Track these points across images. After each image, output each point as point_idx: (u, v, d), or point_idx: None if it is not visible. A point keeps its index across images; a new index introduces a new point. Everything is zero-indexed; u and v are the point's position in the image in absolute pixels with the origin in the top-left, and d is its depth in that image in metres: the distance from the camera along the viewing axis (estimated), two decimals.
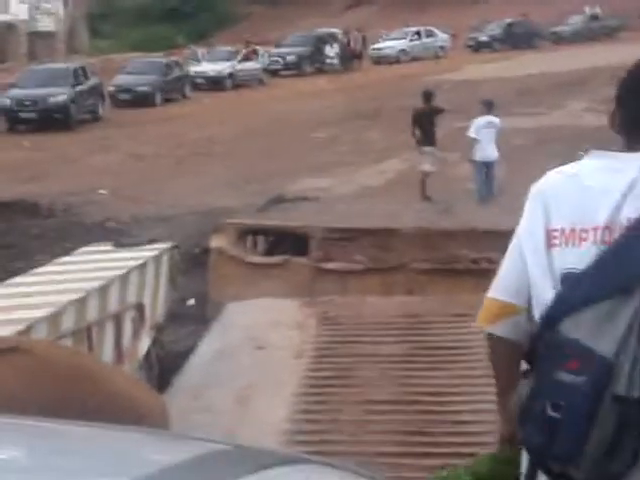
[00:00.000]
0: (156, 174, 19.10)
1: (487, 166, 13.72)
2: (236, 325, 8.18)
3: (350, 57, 40.69)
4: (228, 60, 36.85)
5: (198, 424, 5.64)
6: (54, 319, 6.97)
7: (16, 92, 27.92)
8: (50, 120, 26.61)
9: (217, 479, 1.30)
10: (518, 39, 43.71)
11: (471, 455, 5.48)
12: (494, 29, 45.44)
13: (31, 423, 1.66)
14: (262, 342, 7.57)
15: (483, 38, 45.04)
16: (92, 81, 29.90)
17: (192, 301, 11.91)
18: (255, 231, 11.68)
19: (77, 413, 2.90)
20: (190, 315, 11.39)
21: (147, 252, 9.48)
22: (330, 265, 10.33)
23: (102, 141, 24.25)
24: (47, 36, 57.55)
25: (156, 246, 9.92)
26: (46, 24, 57.66)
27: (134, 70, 33.44)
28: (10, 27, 57.88)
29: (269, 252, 11.61)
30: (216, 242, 11.06)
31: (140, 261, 8.92)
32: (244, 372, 6.92)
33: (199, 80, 35.60)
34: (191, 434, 1.80)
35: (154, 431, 1.84)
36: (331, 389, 6.62)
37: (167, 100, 32.39)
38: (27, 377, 3.06)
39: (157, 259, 9.40)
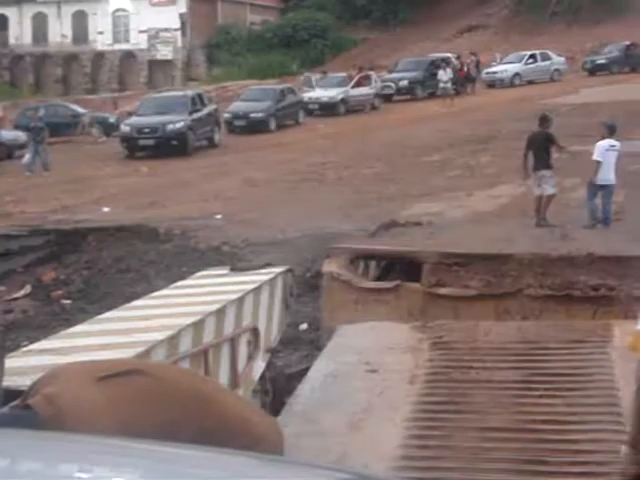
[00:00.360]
0: (270, 199, 19.34)
1: (604, 189, 13.49)
2: (348, 348, 8.16)
3: (463, 81, 40.52)
4: (341, 86, 37.16)
5: (310, 448, 5.60)
6: (172, 342, 7.09)
7: (136, 120, 28.77)
8: (168, 147, 27.34)
9: None
10: (637, 61, 42.76)
11: None
12: (612, 51, 44.53)
13: (148, 447, 1.66)
14: (374, 365, 7.52)
15: (600, 60, 44.19)
16: (209, 108, 30.57)
17: (305, 325, 11.98)
18: (367, 256, 11.67)
19: (193, 435, 2.93)
20: (303, 340, 11.47)
21: (262, 276, 9.57)
22: (443, 290, 10.22)
23: (218, 167, 24.72)
24: (166, 64, 59.12)
25: (271, 270, 10.01)
26: (165, 53, 59.25)
27: (249, 97, 34.06)
28: (130, 56, 59.69)
29: (381, 277, 11.59)
30: (328, 267, 11.07)
31: (255, 285, 9.02)
32: (356, 396, 6.89)
33: (312, 106, 35.98)
34: (305, 459, 1.87)
35: (272, 457, 1.81)
36: (444, 415, 6.53)
37: (281, 126, 32.82)
38: (146, 399, 3.11)
39: (272, 283, 9.47)
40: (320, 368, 7.72)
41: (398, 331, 8.67)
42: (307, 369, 8.16)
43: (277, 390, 8.64)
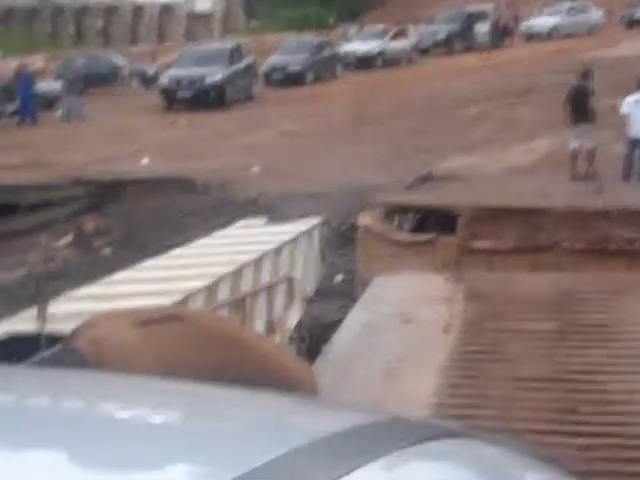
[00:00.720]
0: (307, 152, 19.37)
1: (635, 144, 13.44)
2: (383, 299, 8.23)
3: (501, 34, 40.04)
4: (378, 39, 36.88)
5: (345, 396, 5.71)
6: (210, 290, 7.24)
7: (174, 72, 28.82)
8: (206, 99, 27.38)
9: (378, 449, 1.27)
10: None
11: (621, 436, 5.43)
12: None
13: (191, 388, 1.67)
14: (409, 316, 7.59)
15: (638, 14, 43.46)
16: (247, 61, 30.52)
17: (340, 277, 12.08)
18: (403, 209, 11.70)
19: (231, 380, 3.05)
20: (338, 291, 11.57)
21: (299, 227, 9.66)
22: (478, 244, 10.27)
23: (255, 119, 24.73)
24: (204, 17, 58.94)
25: (307, 221, 10.10)
26: (203, 5, 59.05)
27: (286, 50, 33.93)
28: (169, 9, 59.56)
29: (416, 230, 11.63)
30: (364, 220, 11.13)
31: (292, 236, 9.13)
32: (391, 346, 6.95)
33: (349, 59, 35.78)
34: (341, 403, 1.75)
35: (310, 399, 1.77)
36: (479, 364, 6.61)
37: (318, 79, 32.68)
38: (186, 344, 3.21)
39: (308, 234, 9.58)
40: (355, 318, 7.81)
41: (432, 282, 8.74)
42: (342, 319, 8.26)
43: (313, 338, 8.77)
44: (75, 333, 3.08)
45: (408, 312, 7.74)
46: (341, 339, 7.35)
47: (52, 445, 1.16)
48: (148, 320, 3.19)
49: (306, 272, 9.54)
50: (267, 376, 3.29)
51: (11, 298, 11.41)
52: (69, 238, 14.71)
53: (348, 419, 1.43)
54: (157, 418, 1.37)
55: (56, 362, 3.92)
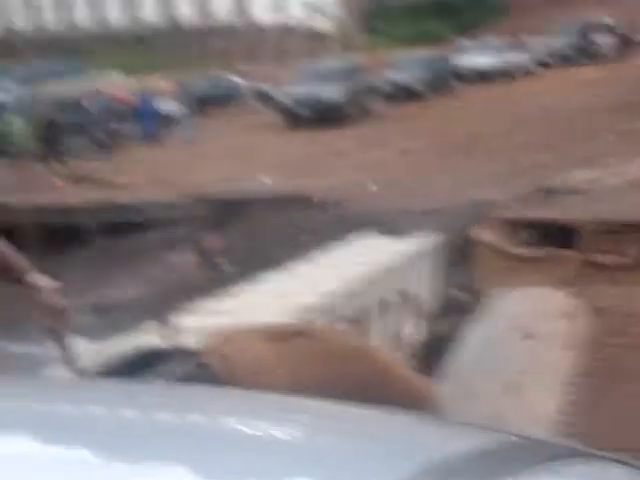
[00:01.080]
0: (423, 168, 19.35)
1: None
2: (503, 314, 8.16)
3: (623, 46, 39.15)
4: (496, 52, 36.56)
5: (465, 411, 5.69)
6: (328, 305, 7.33)
7: (293, 90, 29.19)
8: (324, 116, 27.61)
9: (507, 469, 1.24)
10: None
11: None
12: None
13: (312, 403, 1.67)
14: (529, 331, 7.49)
15: None
16: (364, 77, 30.65)
17: (457, 293, 12.03)
18: (520, 223, 11.59)
19: (357, 393, 3.13)
20: (456, 306, 11.52)
21: (416, 243, 9.68)
22: (599, 258, 10.11)
23: (373, 136, 24.78)
24: (323, 35, 59.51)
25: (425, 236, 10.12)
26: (322, 24, 59.63)
27: (403, 66, 33.94)
28: (288, 28, 60.37)
29: (535, 245, 11.49)
30: (481, 235, 11.09)
31: (409, 251, 9.17)
32: (512, 361, 6.87)
33: (467, 73, 35.55)
34: (465, 421, 1.78)
35: (437, 418, 1.78)
36: (601, 381, 6.50)
37: (434, 94, 32.56)
38: (315, 359, 3.27)
39: (426, 249, 9.58)
40: (475, 333, 7.75)
41: (553, 297, 8.62)
42: (461, 334, 8.21)
43: (432, 353, 8.76)
44: (207, 349, 3.16)
45: (528, 327, 7.65)
46: (461, 354, 7.29)
47: (179, 460, 1.18)
48: (279, 336, 3.26)
49: (423, 287, 9.53)
50: (391, 390, 3.32)
51: (135, 315, 11.73)
52: (192, 255, 15.07)
53: (475, 438, 1.41)
54: (286, 433, 1.38)
55: (188, 378, 4.06)
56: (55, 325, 3.03)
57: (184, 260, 15.14)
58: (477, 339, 7.62)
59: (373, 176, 18.76)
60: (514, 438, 1.46)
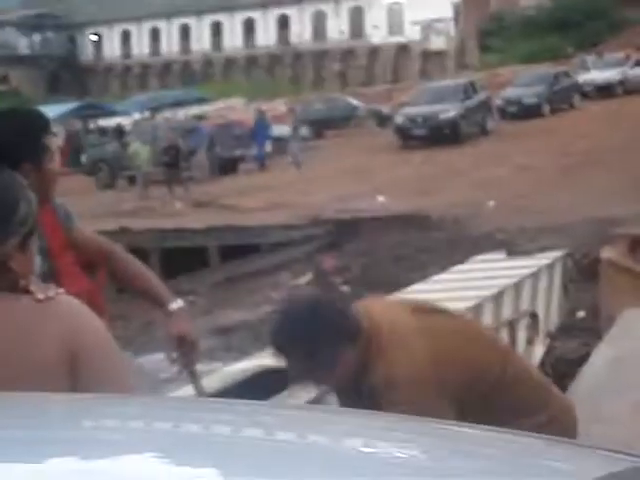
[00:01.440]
0: (543, 185, 18.99)
1: None
2: (633, 333, 7.92)
3: None
4: (619, 67, 35.73)
5: (594, 434, 5.48)
6: None
7: (408, 110, 29.19)
8: (440, 135, 27.48)
9: None
10: None
11: None
12: None
13: (428, 424, 1.63)
14: None
15: None
16: (481, 96, 30.44)
17: (582, 313, 11.71)
18: None
19: (495, 380, 3.06)
20: (580, 327, 11.21)
21: (540, 260, 9.50)
22: None
23: (490, 154, 24.51)
24: (438, 55, 59.44)
25: (549, 255, 9.93)
26: (438, 43, 59.57)
27: (522, 82, 33.56)
28: (404, 48, 60.54)
29: None
30: (607, 253, 10.74)
31: (533, 269, 8.96)
32: None
33: (588, 88, 34.83)
34: (592, 444, 1.66)
35: (560, 439, 1.68)
36: None
37: (555, 110, 32.04)
38: (456, 335, 3.14)
39: (550, 267, 9.40)
40: (603, 353, 7.53)
41: None
42: (587, 355, 8.00)
43: (557, 375, 8.54)
44: (357, 309, 3.13)
45: None
46: (588, 375, 7.08)
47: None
48: (419, 308, 3.24)
49: (549, 306, 9.33)
50: (530, 385, 3.24)
51: (256, 335, 11.79)
52: (309, 276, 15.12)
53: (609, 463, 1.37)
54: (413, 455, 1.36)
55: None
56: (186, 355, 3.15)
57: (303, 281, 15.19)
58: (606, 359, 7.38)
59: (491, 194, 18.50)
60: None
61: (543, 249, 10.76)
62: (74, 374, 1.94)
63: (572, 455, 1.44)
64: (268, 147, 29.37)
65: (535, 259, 9.59)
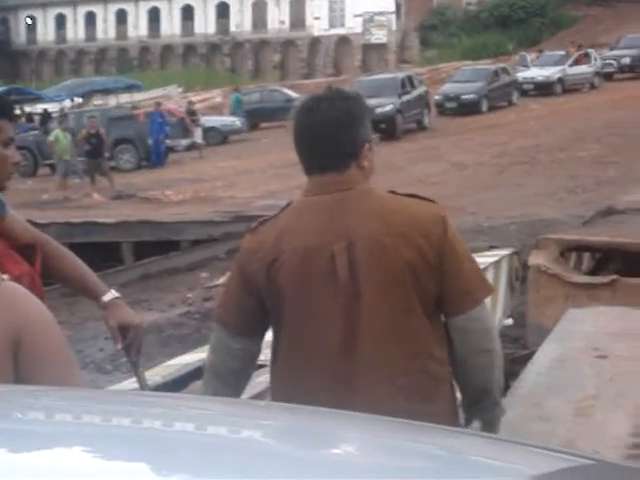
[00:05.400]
0: (478, 183, 18.53)
1: None
2: (576, 333, 7.56)
3: None
4: (558, 64, 35.56)
5: (535, 433, 5.21)
6: None
7: None
8: (376, 130, 26.72)
9: None
10: None
11: None
12: None
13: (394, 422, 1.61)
14: (604, 351, 6.91)
15: None
16: (419, 90, 29.96)
17: (510, 321, 11.18)
18: (580, 247, 10.73)
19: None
20: (508, 336, 10.69)
21: (486, 258, 9.20)
22: None
23: (426, 150, 24.09)
24: (380, 48, 59.13)
25: (495, 252, 9.68)
26: (379, 36, 59.21)
27: (461, 78, 33.23)
28: (345, 40, 60.07)
29: (595, 271, 10.63)
30: (536, 258, 10.25)
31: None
32: (584, 381, 6.43)
33: (527, 86, 34.63)
34: (534, 442, 1.63)
35: (502, 438, 1.79)
36: None
37: (493, 107, 31.79)
38: None
39: (496, 265, 9.13)
40: (547, 352, 7.32)
41: (629, 317, 7.95)
42: (532, 354, 7.66)
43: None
44: None
45: (603, 347, 7.08)
46: (531, 373, 6.88)
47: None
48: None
49: (494, 304, 9.00)
50: None
51: (164, 341, 11.14)
52: (228, 276, 14.39)
53: (550, 462, 1.38)
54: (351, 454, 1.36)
55: None
56: (130, 344, 3.05)
57: (222, 282, 14.46)
58: (549, 358, 7.16)
59: (425, 191, 17.80)
60: (588, 461, 1.45)
61: (492, 246, 10.41)
62: (18, 361, 1.91)
63: (512, 453, 1.45)
64: (198, 138, 28.58)
65: (481, 256, 9.20)
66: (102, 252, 14.51)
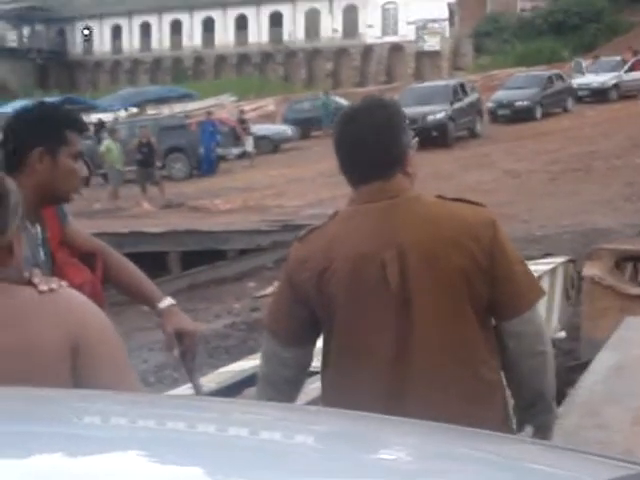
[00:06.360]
0: (531, 191, 18.19)
1: None
2: (633, 341, 7.36)
3: None
4: (614, 70, 34.96)
5: (592, 441, 5.16)
6: None
7: None
8: (428, 137, 26.56)
9: None
10: None
11: None
12: None
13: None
14: None
15: None
16: (471, 98, 29.65)
17: (563, 333, 10.88)
18: (636, 257, 10.42)
19: None
20: (560, 349, 10.40)
21: (541, 266, 9.04)
22: None
23: (478, 158, 23.77)
24: (433, 55, 58.77)
25: (551, 260, 9.49)
26: (432, 44, 58.88)
27: (515, 85, 32.81)
28: (398, 48, 59.85)
29: None
30: (590, 270, 9.98)
31: (535, 275, 8.31)
32: None
33: (582, 92, 34.09)
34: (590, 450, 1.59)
35: (555, 445, 1.79)
36: None
37: (547, 114, 31.33)
38: None
39: (552, 273, 8.99)
40: (604, 360, 7.23)
41: None
42: (588, 362, 7.46)
43: (558, 381, 7.87)
44: None
45: None
46: (588, 382, 6.82)
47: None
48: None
49: (550, 313, 8.97)
50: None
51: (210, 352, 11.02)
52: (276, 285, 14.25)
53: (608, 470, 1.36)
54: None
55: None
56: (187, 350, 3.07)
57: (269, 290, 14.34)
58: (607, 366, 7.10)
59: (478, 199, 17.58)
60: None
61: (548, 253, 10.22)
62: (76, 367, 1.94)
63: (571, 461, 1.44)
64: (249, 146, 28.57)
65: (536, 264, 9.04)
66: (149, 262, 14.42)
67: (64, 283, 2.06)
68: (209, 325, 12.72)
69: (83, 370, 1.95)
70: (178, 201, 21.17)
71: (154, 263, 15.05)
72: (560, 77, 33.96)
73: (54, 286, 2.01)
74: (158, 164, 22.59)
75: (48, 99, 34.92)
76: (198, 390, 3.25)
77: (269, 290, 14.32)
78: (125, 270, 3.18)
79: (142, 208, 20.67)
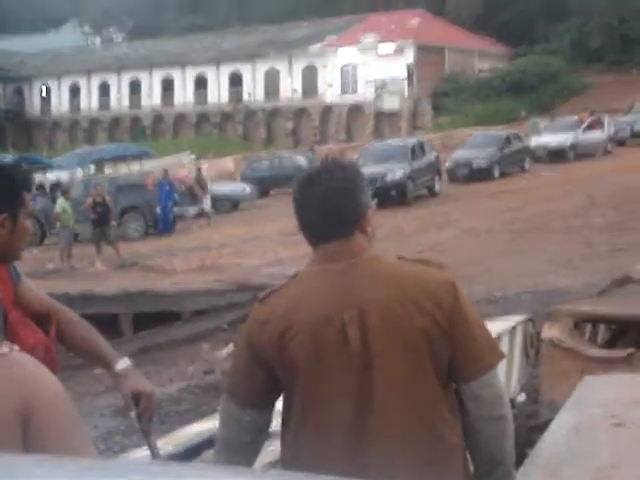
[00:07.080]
0: (489, 251, 18.10)
1: None
2: (593, 401, 7.15)
3: None
4: (571, 130, 35.35)
5: None
6: None
7: None
8: (387, 196, 26.54)
9: None
10: None
11: None
12: None
13: None
14: (621, 419, 6.51)
15: None
16: (430, 157, 29.75)
17: (523, 396, 10.68)
18: (595, 319, 10.27)
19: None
20: (521, 412, 10.18)
21: (500, 326, 8.87)
22: None
23: (437, 217, 23.76)
24: (392, 115, 59.23)
25: (509, 319, 9.31)
26: (391, 103, 59.34)
27: (473, 144, 33.04)
28: (357, 108, 60.28)
29: (612, 344, 10.15)
30: (549, 331, 9.83)
31: (493, 335, 8.11)
32: (602, 451, 6.06)
33: (539, 152, 34.41)
34: None
35: None
36: None
37: (505, 174, 31.53)
38: None
39: (511, 333, 8.80)
40: (563, 420, 6.91)
41: None
42: (549, 422, 7.25)
43: (518, 442, 7.64)
44: None
45: (620, 415, 6.66)
46: (548, 442, 6.51)
47: None
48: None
49: (509, 373, 8.72)
50: None
51: (162, 418, 10.66)
52: (232, 347, 13.94)
53: None
54: None
55: None
56: (143, 412, 3.04)
57: (224, 353, 14.02)
58: (566, 427, 6.76)
59: (434, 258, 17.47)
60: None
61: (506, 313, 10.04)
62: (26, 437, 1.89)
63: None
64: (207, 205, 28.38)
65: (495, 323, 8.86)
66: (100, 324, 14.09)
67: (16, 347, 2.00)
68: (162, 389, 12.37)
69: (33, 440, 1.89)
70: (132, 260, 20.83)
71: (105, 325, 14.70)
72: (518, 137, 34.26)
73: (5, 350, 1.94)
74: (113, 223, 22.27)
75: (3, 159, 34.64)
76: (154, 453, 3.18)
77: (224, 351, 14.02)
78: (80, 331, 3.12)
79: (95, 268, 20.30)
